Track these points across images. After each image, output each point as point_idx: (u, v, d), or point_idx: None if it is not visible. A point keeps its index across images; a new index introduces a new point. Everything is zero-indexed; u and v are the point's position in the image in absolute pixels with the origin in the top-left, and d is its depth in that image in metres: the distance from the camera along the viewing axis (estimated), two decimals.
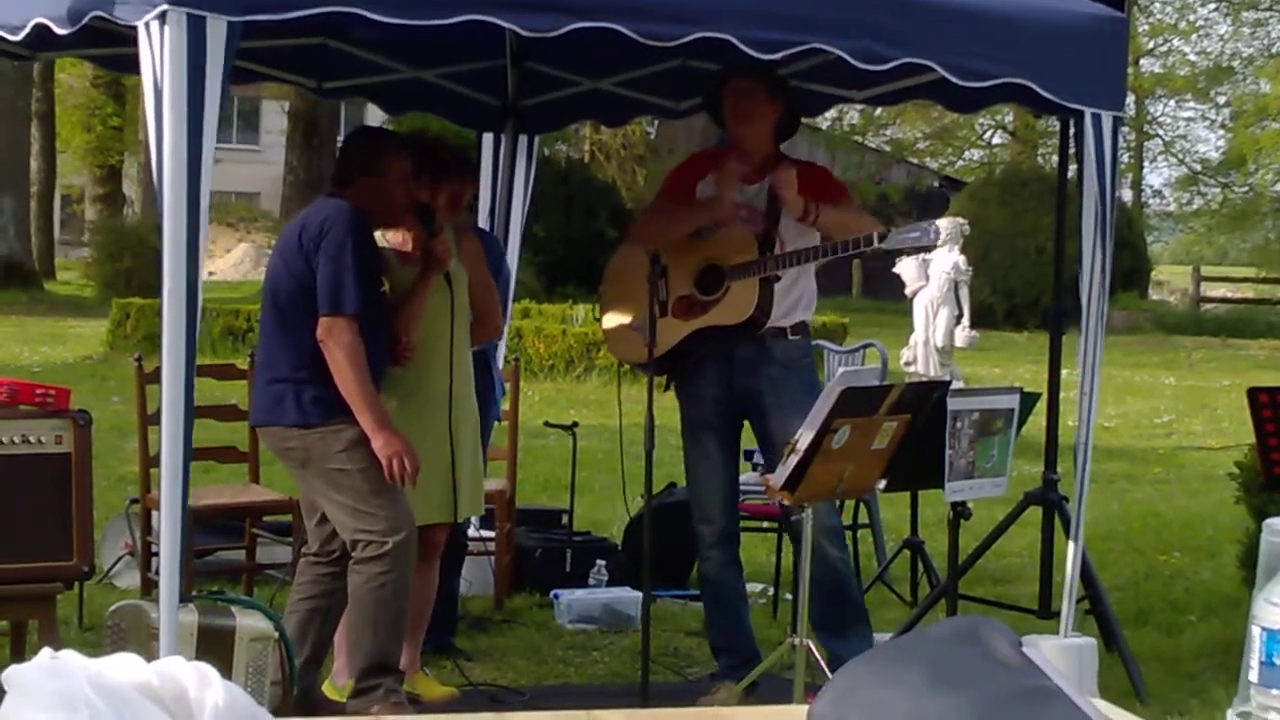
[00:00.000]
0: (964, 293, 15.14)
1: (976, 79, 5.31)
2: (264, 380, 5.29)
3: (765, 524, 7.48)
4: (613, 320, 6.06)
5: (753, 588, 6.93)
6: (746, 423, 5.90)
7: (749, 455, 7.43)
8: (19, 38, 4.88)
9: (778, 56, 5.04)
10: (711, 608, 6.04)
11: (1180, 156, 41.31)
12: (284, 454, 5.27)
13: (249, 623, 4.84)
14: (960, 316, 15.12)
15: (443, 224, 5.60)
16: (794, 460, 5.00)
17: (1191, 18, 39.69)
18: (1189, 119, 50.60)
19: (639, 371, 5.97)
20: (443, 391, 5.55)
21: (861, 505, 7.66)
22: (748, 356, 5.76)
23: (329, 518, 5.26)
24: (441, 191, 5.71)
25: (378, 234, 5.42)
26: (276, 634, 4.90)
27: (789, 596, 6.70)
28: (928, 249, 5.56)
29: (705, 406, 5.86)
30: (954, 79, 5.25)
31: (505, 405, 7.17)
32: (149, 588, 6.45)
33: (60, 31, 4.66)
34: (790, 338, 5.83)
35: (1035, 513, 6.48)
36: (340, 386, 5.08)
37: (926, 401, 5.21)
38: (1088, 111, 5.56)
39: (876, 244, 5.50)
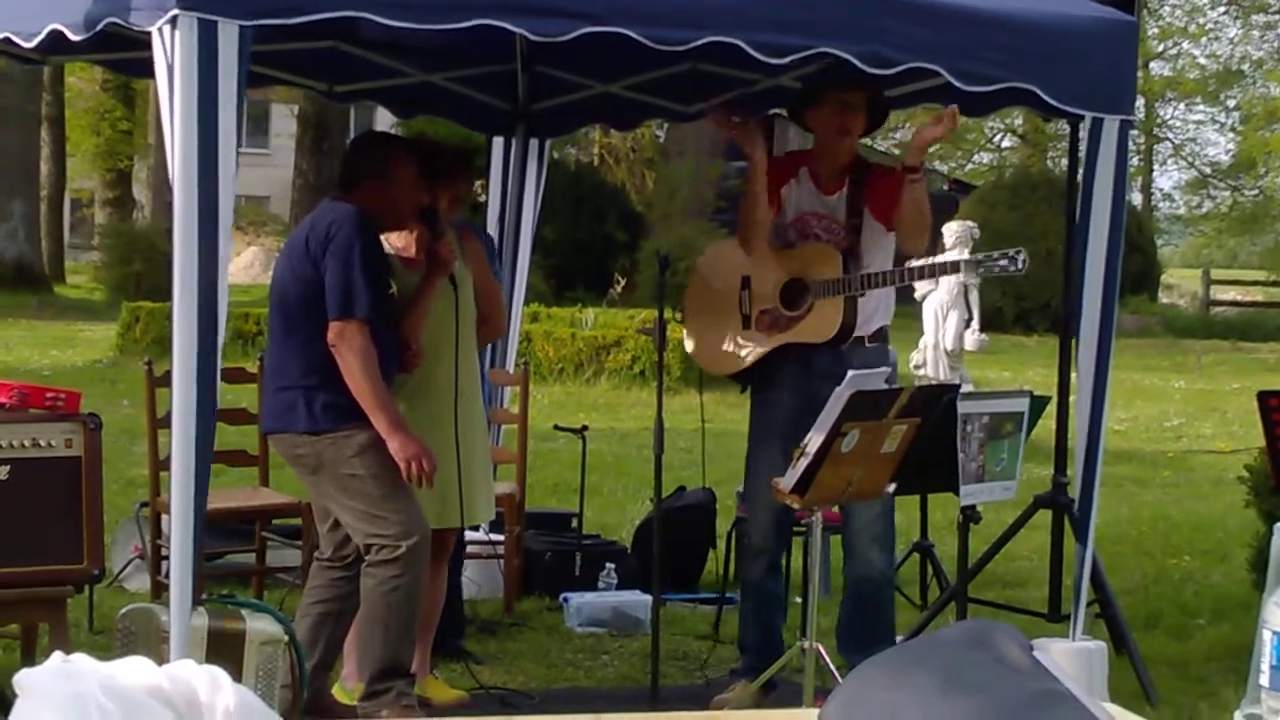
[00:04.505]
0: (973, 296, 15.15)
1: (981, 83, 5.31)
2: (274, 387, 5.28)
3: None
4: (693, 332, 6.08)
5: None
6: None
7: None
8: (33, 44, 4.89)
9: (786, 60, 5.05)
10: (747, 607, 6.03)
11: (1190, 160, 41.34)
12: (296, 461, 5.28)
13: (259, 626, 4.85)
14: (970, 320, 15.12)
15: (446, 226, 5.59)
16: (803, 464, 5.00)
17: (1201, 21, 39.72)
18: (1199, 122, 50.45)
19: (732, 382, 6.07)
20: (448, 394, 5.53)
21: None
22: (826, 366, 5.66)
23: (342, 523, 5.26)
24: (441, 194, 5.71)
25: (381, 238, 5.41)
26: (287, 637, 4.91)
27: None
28: (1015, 274, 5.65)
29: (779, 412, 5.83)
30: (958, 84, 5.25)
31: (511, 407, 7.17)
32: (159, 591, 6.46)
33: (75, 38, 4.67)
34: (869, 345, 5.84)
35: (1045, 516, 6.47)
36: (353, 390, 5.07)
37: (936, 405, 5.20)
38: (1094, 116, 5.56)
39: (963, 270, 5.55)
